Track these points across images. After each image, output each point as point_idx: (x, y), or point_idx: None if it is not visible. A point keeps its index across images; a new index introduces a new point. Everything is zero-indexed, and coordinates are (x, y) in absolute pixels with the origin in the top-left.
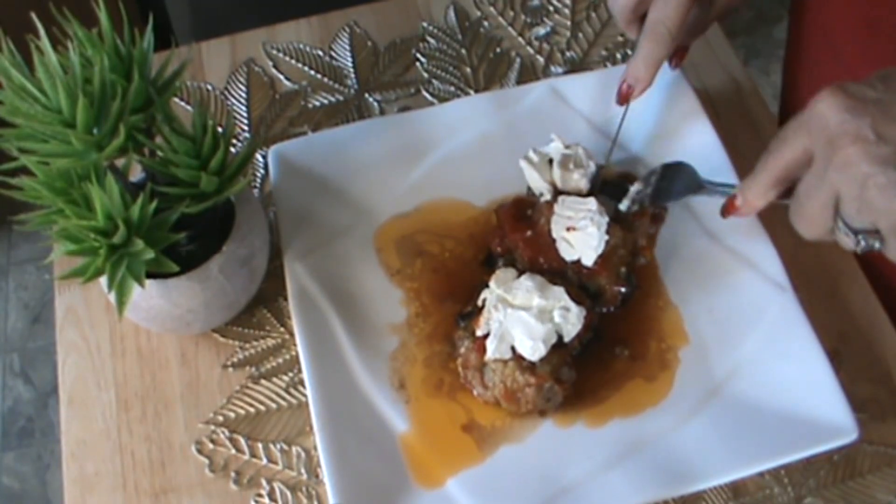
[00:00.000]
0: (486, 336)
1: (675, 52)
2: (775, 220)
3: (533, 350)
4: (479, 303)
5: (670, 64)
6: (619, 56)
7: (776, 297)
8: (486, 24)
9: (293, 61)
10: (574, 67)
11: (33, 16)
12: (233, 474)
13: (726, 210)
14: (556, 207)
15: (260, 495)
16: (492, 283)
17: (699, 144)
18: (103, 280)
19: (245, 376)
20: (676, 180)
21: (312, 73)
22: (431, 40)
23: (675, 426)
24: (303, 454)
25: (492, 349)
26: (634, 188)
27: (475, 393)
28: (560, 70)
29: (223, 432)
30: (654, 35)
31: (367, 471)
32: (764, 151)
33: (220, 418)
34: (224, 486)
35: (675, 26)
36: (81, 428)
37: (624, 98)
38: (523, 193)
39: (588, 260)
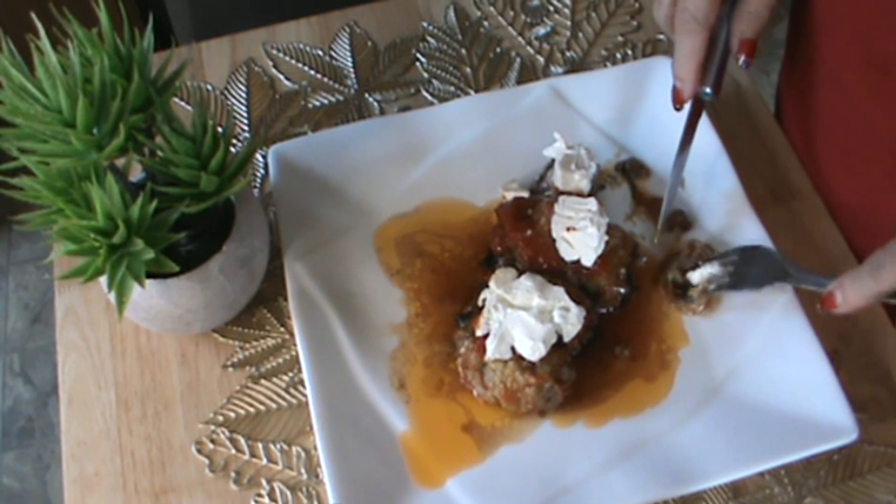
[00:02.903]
0: (485, 336)
1: (740, 47)
2: (776, 221)
3: (533, 350)
4: (479, 303)
5: (738, 61)
6: (618, 56)
7: (776, 297)
8: (486, 24)
9: (293, 61)
10: (574, 67)
11: (33, 16)
12: (233, 474)
13: (824, 305)
14: (557, 207)
15: (260, 495)
16: (492, 283)
17: (699, 144)
18: (103, 280)
19: (245, 376)
20: (755, 265)
21: (312, 73)
22: (431, 40)
23: (675, 426)
24: (303, 454)
25: (492, 349)
26: (710, 270)
27: (475, 393)
28: (560, 70)
29: (223, 432)
30: (681, 27)
31: (367, 471)
32: (876, 255)
33: (220, 418)
34: (224, 486)
35: (702, 13)
36: (81, 428)
37: (678, 100)
38: (524, 193)
39: (588, 260)
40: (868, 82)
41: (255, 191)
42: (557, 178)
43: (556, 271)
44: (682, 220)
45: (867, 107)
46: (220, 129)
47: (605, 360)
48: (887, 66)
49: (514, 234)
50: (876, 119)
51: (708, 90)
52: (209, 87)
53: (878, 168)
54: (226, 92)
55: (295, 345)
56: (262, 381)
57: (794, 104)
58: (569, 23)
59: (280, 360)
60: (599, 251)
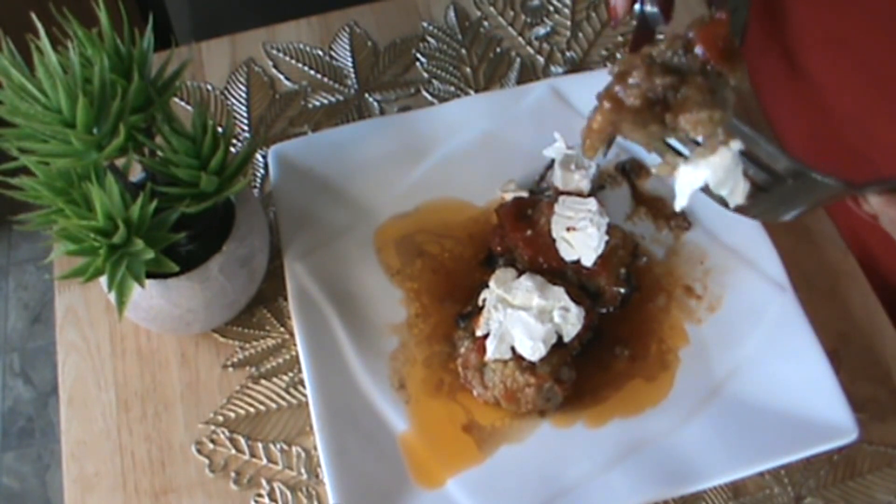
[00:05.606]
0: (485, 336)
1: None
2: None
3: (533, 350)
4: (479, 303)
5: None
6: (618, 56)
7: (776, 297)
8: (486, 24)
9: (293, 61)
10: (574, 67)
11: (33, 16)
12: (233, 474)
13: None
14: (557, 207)
15: (260, 495)
16: (492, 283)
17: None
18: (103, 280)
19: (245, 376)
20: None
21: (312, 73)
22: (431, 40)
23: (675, 426)
24: (303, 454)
25: (492, 349)
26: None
27: (475, 393)
28: (560, 70)
29: (223, 432)
30: None
31: (367, 471)
32: None
33: (220, 418)
34: (224, 486)
35: None
36: (81, 428)
37: (612, 15)
38: (524, 193)
39: (588, 260)
40: (827, 60)
41: (255, 191)
42: (557, 178)
43: (556, 271)
44: (682, 220)
45: (826, 84)
46: (220, 129)
47: (605, 360)
48: (846, 42)
49: (514, 234)
50: (835, 95)
51: (652, 9)
52: (209, 87)
53: (844, 145)
54: (226, 92)
55: (295, 345)
56: (262, 381)
57: (759, 100)
58: (569, 23)
59: (280, 360)
60: (599, 251)
